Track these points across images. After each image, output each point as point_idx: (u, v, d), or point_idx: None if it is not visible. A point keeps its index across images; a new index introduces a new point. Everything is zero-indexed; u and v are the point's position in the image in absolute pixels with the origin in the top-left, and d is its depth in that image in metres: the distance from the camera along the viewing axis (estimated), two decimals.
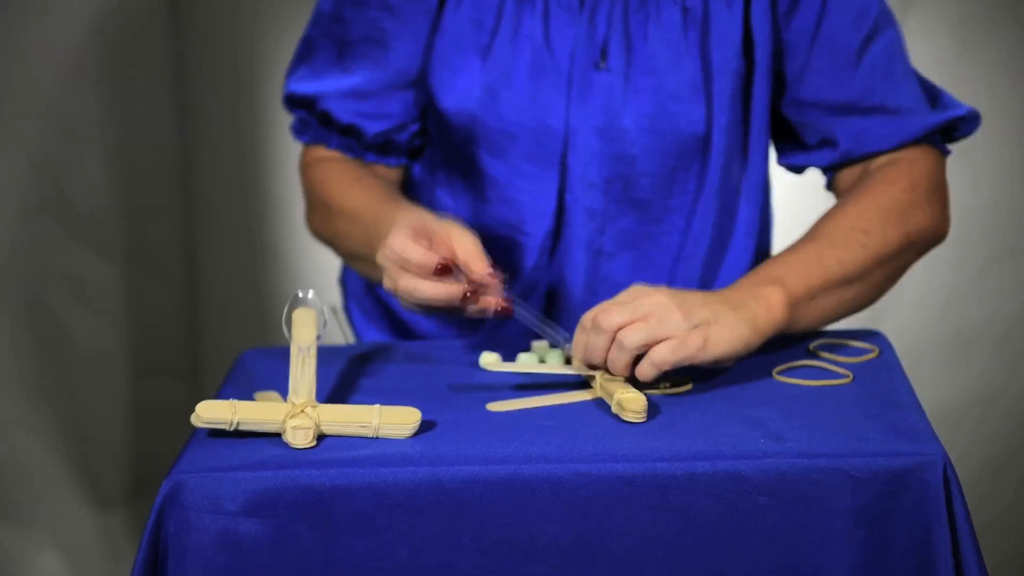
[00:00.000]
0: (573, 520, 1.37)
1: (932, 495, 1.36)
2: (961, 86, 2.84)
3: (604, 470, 1.37)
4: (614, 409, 1.48)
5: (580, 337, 1.55)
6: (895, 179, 1.77)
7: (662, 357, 1.50)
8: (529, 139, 1.79)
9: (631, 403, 1.46)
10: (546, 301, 1.85)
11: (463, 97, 1.79)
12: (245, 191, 3.00)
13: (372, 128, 1.84)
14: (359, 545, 1.37)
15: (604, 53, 1.77)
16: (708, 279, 1.86)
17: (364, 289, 1.97)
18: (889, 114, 1.80)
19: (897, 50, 1.82)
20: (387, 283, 1.60)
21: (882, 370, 1.59)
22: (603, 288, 1.83)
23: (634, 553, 1.37)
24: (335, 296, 2.11)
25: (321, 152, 1.88)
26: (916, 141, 1.81)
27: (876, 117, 1.81)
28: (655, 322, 1.51)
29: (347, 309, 2.01)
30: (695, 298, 1.55)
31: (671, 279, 1.84)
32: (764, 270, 1.66)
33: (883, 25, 1.81)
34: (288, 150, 2.90)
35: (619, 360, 1.52)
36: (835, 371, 1.58)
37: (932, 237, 1.77)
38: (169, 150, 2.87)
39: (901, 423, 1.44)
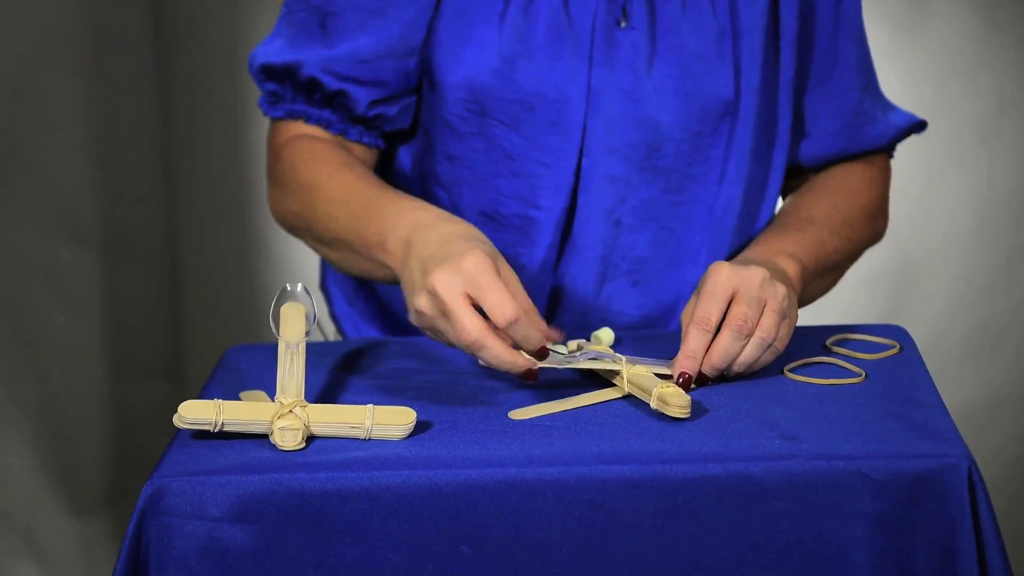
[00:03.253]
0: (577, 526, 1.37)
1: (956, 499, 1.36)
2: (988, 68, 2.85)
3: (610, 473, 1.37)
4: (654, 405, 1.47)
5: (701, 340, 1.55)
6: (873, 182, 1.90)
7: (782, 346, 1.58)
8: (548, 108, 1.78)
9: (675, 397, 1.46)
10: (555, 280, 1.84)
11: (476, 68, 1.78)
12: (230, 179, 3.00)
13: (365, 96, 1.80)
14: (351, 552, 1.37)
15: (625, 11, 1.77)
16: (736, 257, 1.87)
17: (355, 289, 1.96)
18: (882, 109, 1.87)
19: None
20: (421, 303, 1.54)
21: (903, 367, 1.59)
22: (622, 263, 1.83)
23: (642, 561, 1.37)
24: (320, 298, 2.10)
25: (299, 128, 1.83)
26: (892, 142, 1.92)
27: (871, 111, 1.88)
28: (792, 314, 1.58)
29: (334, 316, 1.99)
30: (768, 274, 1.59)
31: (691, 254, 1.84)
32: (776, 242, 1.71)
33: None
34: None
35: (763, 360, 1.56)
36: (850, 369, 1.58)
37: (873, 245, 1.92)
38: (150, 136, 2.87)
39: (923, 423, 1.44)
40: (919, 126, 1.92)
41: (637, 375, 1.51)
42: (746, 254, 1.72)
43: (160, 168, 2.92)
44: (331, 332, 1.99)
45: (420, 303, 1.53)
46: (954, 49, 2.33)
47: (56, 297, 2.72)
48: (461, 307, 1.50)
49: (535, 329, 1.51)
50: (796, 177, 1.92)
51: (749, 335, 1.54)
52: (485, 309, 1.50)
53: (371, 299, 1.95)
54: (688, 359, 1.54)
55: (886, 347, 1.64)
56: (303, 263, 2.97)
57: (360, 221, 1.70)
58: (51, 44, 2.64)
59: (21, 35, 2.60)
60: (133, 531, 1.38)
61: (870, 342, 1.66)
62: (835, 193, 1.86)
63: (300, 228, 1.82)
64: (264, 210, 2.98)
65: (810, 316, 3.06)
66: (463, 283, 1.51)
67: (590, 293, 1.84)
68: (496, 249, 1.55)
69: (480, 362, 1.54)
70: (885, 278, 3.01)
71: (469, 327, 1.49)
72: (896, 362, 1.61)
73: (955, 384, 2.94)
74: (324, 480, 1.37)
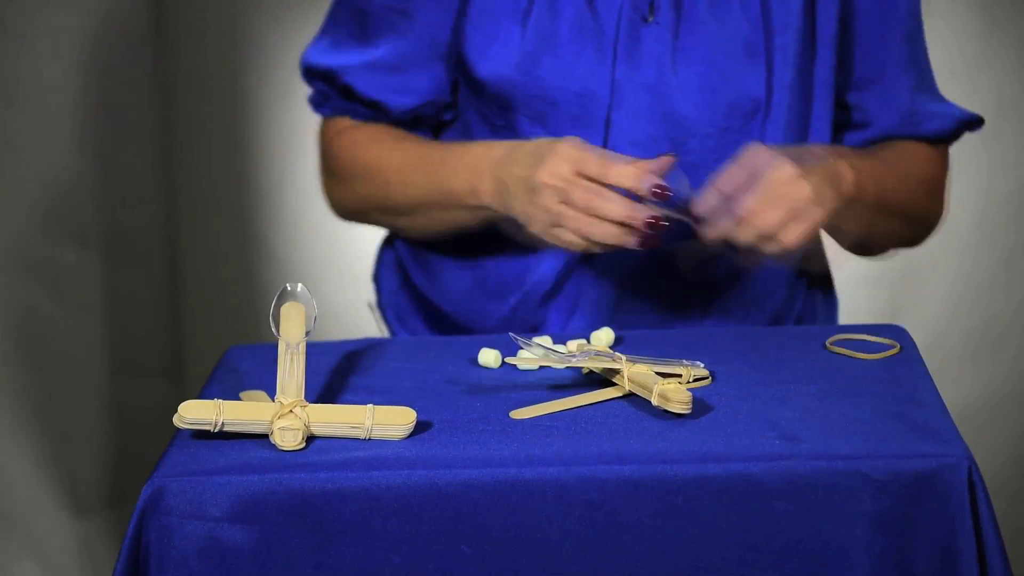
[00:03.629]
0: (577, 526, 1.37)
1: (956, 499, 1.36)
2: (988, 66, 2.85)
3: (610, 473, 1.37)
4: (655, 402, 1.47)
5: (721, 223, 1.64)
6: (936, 161, 1.91)
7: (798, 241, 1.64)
8: (572, 103, 1.80)
9: (676, 393, 1.46)
10: (586, 270, 1.85)
11: (501, 64, 1.80)
12: (230, 179, 3.00)
13: (399, 104, 1.86)
14: (351, 553, 1.37)
15: (652, 7, 1.78)
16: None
17: (399, 285, 1.98)
18: (938, 105, 1.89)
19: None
20: (548, 203, 1.67)
21: (903, 366, 1.59)
22: (647, 258, 1.83)
23: (642, 561, 1.37)
24: (329, 289, 2.11)
25: (347, 122, 1.89)
26: (952, 133, 1.91)
27: (925, 108, 1.89)
28: (806, 216, 1.63)
29: (381, 307, 2.01)
30: (818, 178, 1.64)
31: (716, 252, 1.84)
32: (843, 151, 1.76)
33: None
34: (277, 135, 2.91)
35: (768, 250, 1.64)
36: (883, 343, 1.60)
37: (929, 229, 1.95)
38: (150, 136, 2.87)
39: (923, 423, 1.44)
40: (977, 122, 1.92)
41: (637, 373, 1.51)
42: (810, 146, 1.73)
43: (160, 168, 2.92)
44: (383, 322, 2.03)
45: (540, 203, 1.67)
46: (954, 49, 2.33)
47: (56, 297, 2.72)
48: (577, 182, 1.65)
49: (638, 170, 1.65)
50: None
51: (773, 204, 1.62)
52: (589, 173, 1.65)
53: (413, 292, 1.97)
54: (714, 195, 1.66)
55: (886, 347, 1.64)
56: (303, 263, 2.97)
57: (439, 178, 1.78)
58: (51, 44, 2.64)
59: (21, 35, 2.60)
60: (133, 531, 1.38)
61: (870, 342, 1.66)
62: (904, 152, 1.88)
63: (370, 209, 1.88)
64: (265, 211, 2.98)
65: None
66: (567, 163, 1.66)
67: (617, 288, 1.85)
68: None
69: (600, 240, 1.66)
70: (885, 278, 3.01)
71: (583, 187, 1.65)
72: (896, 362, 1.61)
73: (955, 384, 2.94)
74: (324, 480, 1.37)
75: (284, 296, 1.50)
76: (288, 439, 1.43)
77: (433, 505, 1.37)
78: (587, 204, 1.65)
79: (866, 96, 1.87)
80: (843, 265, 3.07)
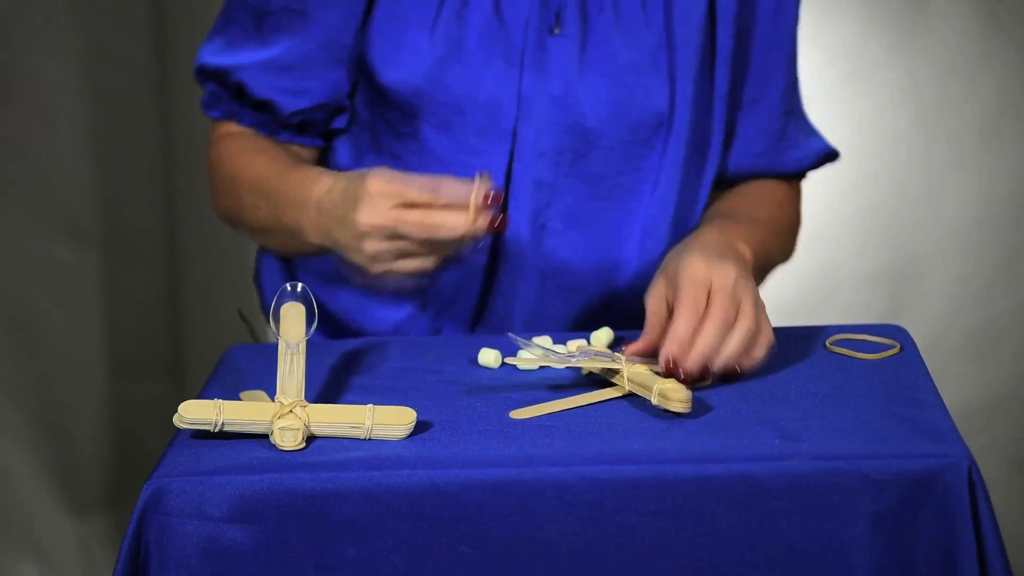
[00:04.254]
0: (578, 526, 1.37)
1: (956, 499, 1.36)
2: (988, 68, 2.84)
3: (610, 473, 1.37)
4: (655, 401, 1.47)
5: (690, 324, 1.52)
6: (794, 202, 1.94)
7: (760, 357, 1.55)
8: (479, 113, 1.79)
9: (676, 392, 1.46)
10: (485, 284, 1.84)
11: (408, 71, 1.78)
12: None
13: (290, 105, 1.82)
14: (351, 553, 1.37)
15: (559, 18, 1.78)
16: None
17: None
18: (804, 135, 1.92)
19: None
20: (369, 247, 1.60)
21: (903, 367, 1.59)
22: (549, 268, 1.83)
23: (643, 561, 1.37)
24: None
25: (231, 128, 1.85)
26: (809, 167, 1.94)
27: (794, 135, 1.91)
28: (761, 333, 1.55)
29: (265, 309, 1.98)
30: (745, 272, 1.58)
31: (620, 263, 1.83)
32: (731, 227, 1.73)
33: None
34: None
35: (759, 355, 1.55)
36: (884, 343, 1.59)
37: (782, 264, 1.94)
38: (150, 136, 2.87)
39: (924, 423, 1.44)
40: (833, 155, 1.94)
41: (637, 373, 1.51)
42: (704, 236, 1.69)
43: (160, 168, 2.92)
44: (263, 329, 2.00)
45: (369, 248, 1.60)
46: (954, 49, 2.33)
47: (56, 297, 2.72)
48: (395, 213, 1.58)
49: (461, 184, 1.57)
50: (715, 188, 1.93)
51: (730, 327, 1.53)
52: (412, 199, 1.58)
53: None
54: (676, 343, 1.51)
55: (886, 347, 1.64)
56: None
57: (277, 208, 1.74)
58: (51, 43, 2.64)
59: (21, 35, 2.60)
60: (133, 531, 1.37)
61: (870, 342, 1.66)
62: (770, 203, 1.89)
63: (235, 222, 1.85)
64: None
65: (810, 316, 3.07)
66: (385, 200, 1.58)
67: (518, 298, 1.84)
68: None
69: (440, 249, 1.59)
70: (885, 278, 3.01)
71: (415, 215, 1.57)
72: (896, 362, 1.61)
73: (955, 384, 2.94)
74: (324, 480, 1.37)
75: (284, 296, 1.50)
76: (288, 439, 1.43)
77: (433, 505, 1.37)
78: (426, 231, 1.58)
79: (745, 115, 1.89)
80: (843, 265, 3.07)
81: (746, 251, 1.68)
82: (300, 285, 1.51)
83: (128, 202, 2.84)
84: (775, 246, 1.85)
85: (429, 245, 1.60)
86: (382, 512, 1.37)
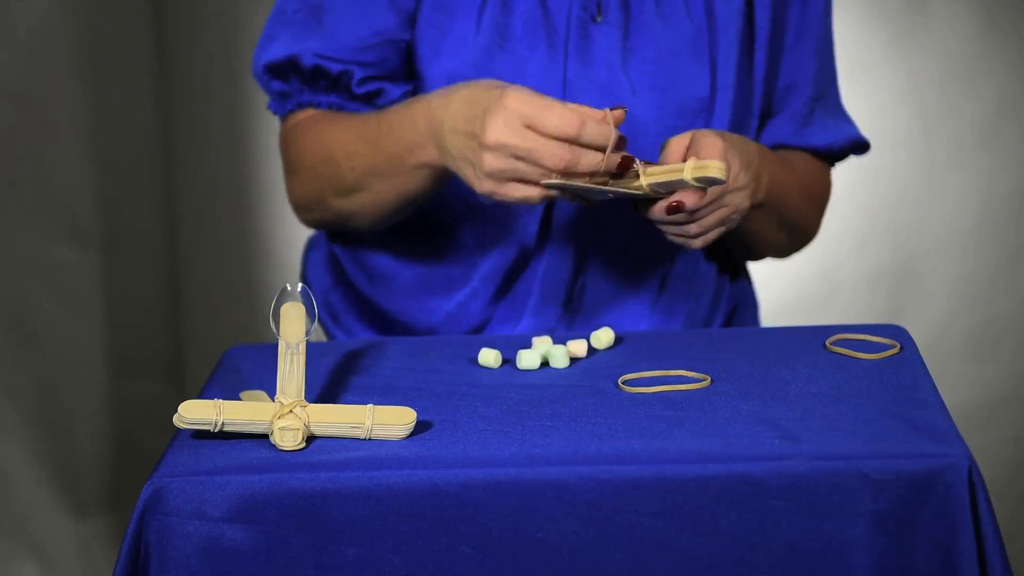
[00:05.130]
0: (578, 526, 1.37)
1: (956, 499, 1.36)
2: (988, 68, 2.84)
3: (610, 473, 1.37)
4: (691, 175, 1.57)
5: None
6: (827, 181, 1.94)
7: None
8: None
9: (711, 159, 1.58)
10: (535, 269, 1.85)
11: (455, 60, 1.79)
12: (230, 179, 3.00)
13: (364, 72, 1.82)
14: (351, 553, 1.37)
15: (600, 6, 1.79)
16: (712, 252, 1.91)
17: (331, 283, 1.96)
18: (835, 120, 1.92)
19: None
20: (490, 162, 1.58)
21: (903, 367, 1.59)
22: (600, 252, 1.84)
23: (643, 562, 1.37)
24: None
25: (301, 116, 1.85)
26: (837, 152, 1.93)
27: (822, 119, 1.91)
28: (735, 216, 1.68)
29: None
30: (749, 177, 1.68)
31: (671, 244, 1.84)
32: (764, 152, 1.77)
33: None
34: (277, 135, 2.91)
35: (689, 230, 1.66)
36: (884, 343, 1.59)
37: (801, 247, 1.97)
38: (150, 136, 2.87)
39: (923, 423, 1.44)
40: (863, 145, 1.94)
41: (655, 172, 1.59)
42: (735, 136, 1.73)
43: (160, 168, 2.92)
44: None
45: (489, 163, 1.58)
46: (954, 49, 2.33)
47: (56, 296, 2.72)
48: (533, 137, 1.55)
49: (604, 125, 1.56)
50: None
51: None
52: (550, 130, 1.55)
53: (349, 291, 1.95)
54: (693, 195, 1.62)
55: (886, 347, 1.64)
56: None
57: (379, 143, 1.73)
58: (51, 44, 2.64)
59: (22, 35, 2.60)
60: (133, 531, 1.38)
61: (870, 342, 1.66)
62: (808, 165, 1.90)
63: (324, 194, 1.83)
64: (264, 211, 2.98)
65: (810, 316, 3.07)
66: (517, 118, 1.55)
67: (569, 278, 1.85)
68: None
69: (564, 183, 1.59)
70: (885, 278, 3.01)
71: (553, 146, 1.55)
72: (896, 362, 1.60)
73: (955, 384, 2.94)
74: (324, 480, 1.37)
75: (284, 296, 1.50)
76: (288, 439, 1.43)
77: (433, 505, 1.37)
78: (560, 164, 1.57)
79: (777, 99, 1.90)
80: (843, 265, 3.08)
81: (764, 177, 1.73)
82: (300, 285, 1.51)
83: (128, 202, 2.84)
84: (795, 197, 1.84)
85: (557, 175, 1.58)
86: (382, 512, 1.37)
